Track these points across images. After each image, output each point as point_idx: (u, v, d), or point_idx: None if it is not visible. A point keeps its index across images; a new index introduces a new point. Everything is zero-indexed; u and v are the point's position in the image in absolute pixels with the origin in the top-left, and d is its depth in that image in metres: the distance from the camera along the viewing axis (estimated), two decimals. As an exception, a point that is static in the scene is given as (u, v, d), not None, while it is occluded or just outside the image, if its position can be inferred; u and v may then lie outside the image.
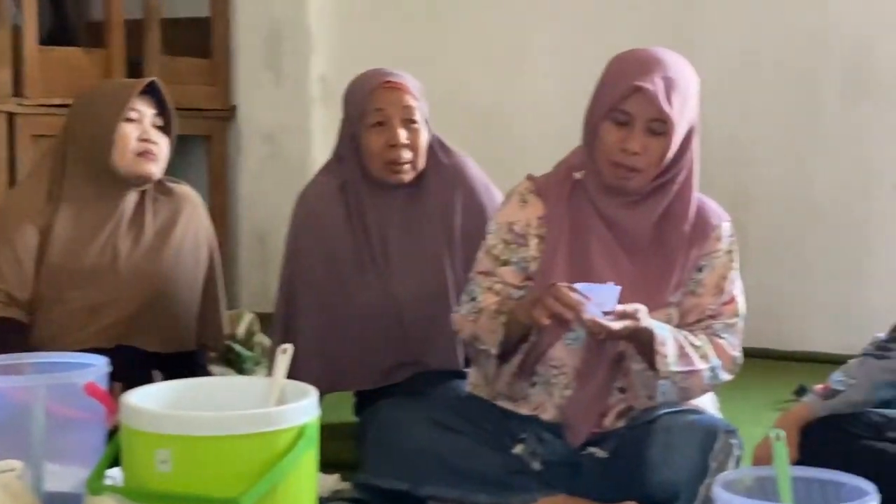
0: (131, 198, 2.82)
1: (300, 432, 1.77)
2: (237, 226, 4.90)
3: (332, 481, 2.42)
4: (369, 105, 2.77)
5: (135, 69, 4.36)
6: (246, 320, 3.56)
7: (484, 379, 2.37)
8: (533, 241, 2.36)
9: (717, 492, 1.64)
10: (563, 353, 2.30)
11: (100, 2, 4.57)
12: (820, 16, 4.14)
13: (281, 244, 2.93)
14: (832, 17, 4.12)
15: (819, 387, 2.47)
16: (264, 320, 3.44)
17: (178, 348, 2.85)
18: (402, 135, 2.76)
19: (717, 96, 3.78)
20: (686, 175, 2.32)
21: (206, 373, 2.94)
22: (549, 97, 4.38)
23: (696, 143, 2.32)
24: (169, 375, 2.58)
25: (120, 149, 2.73)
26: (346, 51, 4.70)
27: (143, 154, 2.75)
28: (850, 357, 2.47)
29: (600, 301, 2.12)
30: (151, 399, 1.86)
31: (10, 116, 3.96)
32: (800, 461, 2.18)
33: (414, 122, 2.79)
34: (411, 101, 2.79)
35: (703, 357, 2.24)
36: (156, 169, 2.79)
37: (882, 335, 2.45)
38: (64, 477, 2.05)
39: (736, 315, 2.33)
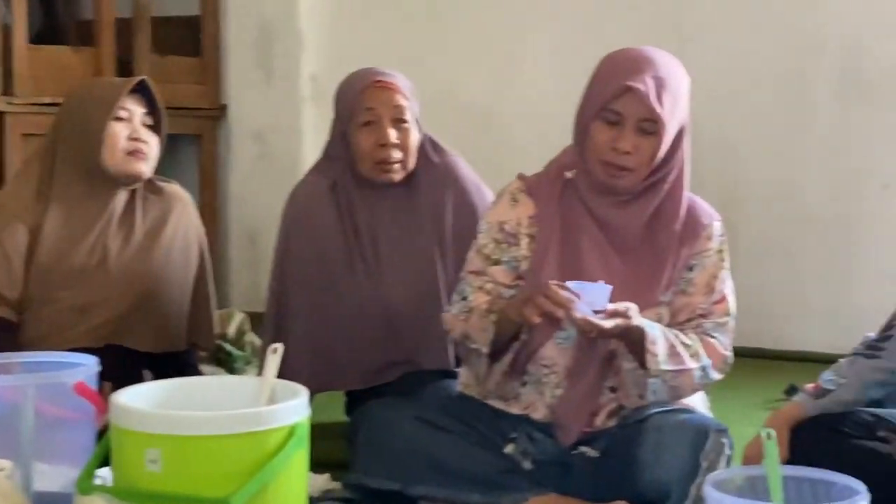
0: (121, 197, 2.81)
1: (290, 432, 1.77)
2: (227, 225, 4.89)
3: (323, 481, 2.42)
4: (359, 104, 2.77)
5: (125, 68, 4.35)
6: (236, 320, 3.56)
7: (475, 378, 2.37)
8: (524, 241, 2.36)
9: (708, 491, 1.64)
10: (554, 353, 2.30)
11: (90, 0, 4.57)
12: (812, 17, 4.15)
13: (271, 243, 2.93)
14: (824, 19, 4.13)
15: (809, 386, 2.47)
16: (255, 320, 3.44)
17: (169, 348, 2.84)
18: (392, 134, 2.76)
19: (708, 96, 3.78)
20: (677, 174, 2.32)
21: (197, 372, 2.93)
22: (543, 97, 4.37)
23: (686, 143, 2.32)
24: (159, 375, 2.58)
25: (109, 148, 2.72)
26: (337, 50, 4.70)
27: (133, 153, 2.75)
28: (841, 356, 2.48)
29: (591, 300, 2.12)
30: (141, 398, 1.86)
31: (0, 115, 3.95)
32: (790, 460, 2.19)
33: (404, 121, 2.78)
34: (402, 101, 2.78)
35: (694, 356, 2.24)
36: (145, 168, 2.78)
37: (872, 334, 2.46)
38: (53, 477, 2.04)
39: (727, 314, 2.33)
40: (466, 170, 2.89)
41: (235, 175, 4.88)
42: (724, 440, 2.19)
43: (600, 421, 2.32)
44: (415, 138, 2.81)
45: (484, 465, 2.30)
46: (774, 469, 1.66)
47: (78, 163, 2.75)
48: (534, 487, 2.28)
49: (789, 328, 4.19)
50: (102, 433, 1.88)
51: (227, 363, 3.40)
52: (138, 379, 2.42)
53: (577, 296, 2.11)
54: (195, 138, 4.78)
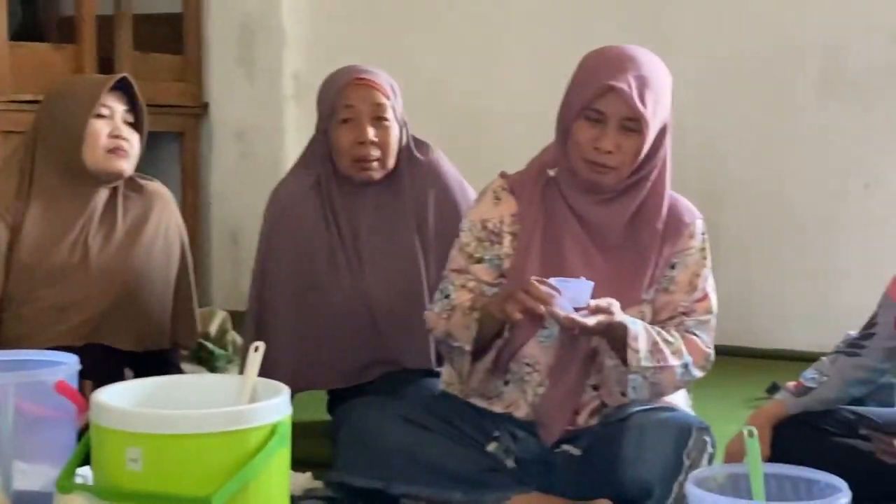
0: (102, 195, 2.80)
1: (272, 430, 1.76)
2: (209, 223, 4.88)
3: (305, 479, 2.42)
4: (339, 101, 2.76)
5: (106, 65, 4.33)
6: (218, 318, 3.55)
7: (458, 376, 2.36)
8: (506, 239, 2.36)
9: (690, 489, 1.64)
10: (537, 351, 2.30)
11: (71, -3, 4.55)
12: (794, 16, 4.16)
13: (253, 242, 2.92)
14: (806, 19, 4.15)
15: (791, 384, 2.48)
16: (236, 318, 3.43)
17: (151, 346, 2.83)
18: (370, 132, 2.75)
19: (691, 95, 3.80)
20: (659, 173, 2.32)
21: (179, 371, 2.92)
22: (527, 95, 4.37)
23: (668, 141, 2.32)
24: (140, 374, 2.57)
25: (90, 145, 2.71)
26: (319, 48, 4.69)
27: (114, 151, 2.73)
28: (823, 355, 2.49)
29: (573, 296, 2.12)
30: (122, 397, 1.85)
31: (-20, 113, 3.93)
32: (772, 458, 2.19)
33: (384, 119, 2.77)
34: (382, 99, 2.78)
35: (676, 353, 2.25)
36: (127, 165, 2.77)
37: (854, 333, 2.47)
38: (33, 476, 2.04)
39: (709, 312, 2.34)
40: (449, 167, 2.89)
41: (217, 173, 4.87)
42: (707, 438, 2.19)
43: (583, 419, 2.32)
44: (395, 136, 2.80)
45: (466, 464, 2.29)
46: (756, 467, 1.66)
47: (59, 160, 2.74)
48: (516, 486, 2.28)
49: (771, 326, 4.20)
50: (83, 432, 1.87)
51: (208, 362, 3.39)
52: (119, 378, 2.41)
53: (559, 291, 2.11)
54: (177, 136, 4.77)
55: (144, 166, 2.89)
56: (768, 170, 4.22)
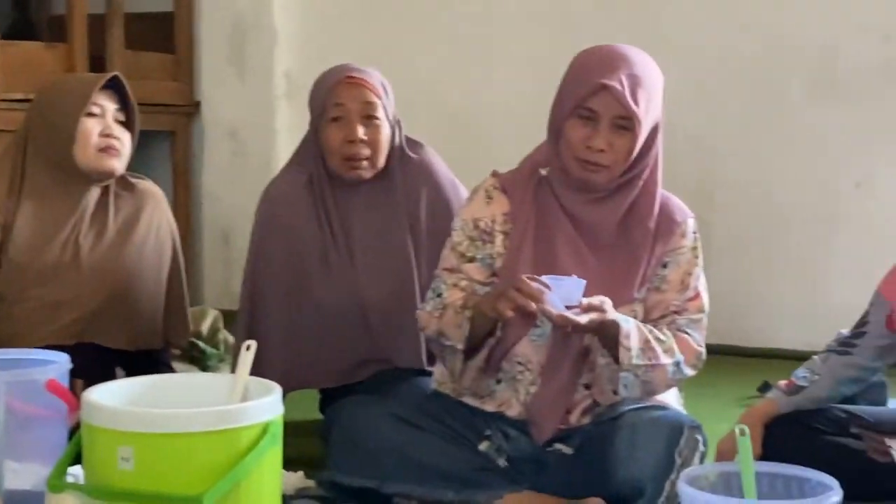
0: (93, 193, 2.79)
1: (264, 429, 1.76)
2: (201, 222, 4.87)
3: (297, 479, 2.41)
4: (330, 100, 2.76)
5: (97, 64, 4.32)
6: (210, 317, 3.55)
7: (450, 375, 2.36)
8: (498, 238, 2.36)
9: (682, 487, 1.64)
10: (529, 350, 2.30)
11: (62, -4, 4.54)
12: (786, 17, 4.16)
13: (245, 241, 2.92)
14: (798, 19, 4.15)
15: (783, 383, 2.48)
16: (228, 317, 3.42)
17: (142, 345, 2.82)
18: (360, 131, 2.75)
19: (683, 95, 3.79)
20: (651, 171, 2.33)
21: (170, 370, 2.92)
22: (520, 94, 4.37)
23: (660, 140, 2.32)
24: (132, 373, 2.56)
25: (81, 144, 2.70)
26: (311, 47, 4.69)
27: (105, 149, 2.73)
28: (814, 353, 2.49)
29: (565, 294, 2.12)
30: (113, 396, 1.85)
31: (-29, 111, 3.92)
32: (764, 457, 2.20)
33: (375, 118, 2.77)
34: (372, 98, 2.77)
35: (668, 351, 2.25)
36: (118, 164, 2.76)
37: (845, 332, 2.47)
38: (24, 475, 2.03)
39: (700, 311, 2.34)
40: (441, 166, 2.89)
41: (209, 172, 4.86)
42: (699, 436, 2.19)
43: (575, 418, 2.32)
44: (385, 135, 2.79)
45: (459, 463, 2.29)
46: (748, 465, 1.66)
47: (50, 159, 2.73)
48: (508, 485, 2.28)
49: (763, 325, 4.21)
50: (74, 431, 1.87)
51: (200, 361, 3.38)
52: (111, 376, 2.42)
53: (550, 289, 2.11)
54: (168, 135, 4.76)
55: (136, 165, 2.89)
56: (760, 169, 4.22)
